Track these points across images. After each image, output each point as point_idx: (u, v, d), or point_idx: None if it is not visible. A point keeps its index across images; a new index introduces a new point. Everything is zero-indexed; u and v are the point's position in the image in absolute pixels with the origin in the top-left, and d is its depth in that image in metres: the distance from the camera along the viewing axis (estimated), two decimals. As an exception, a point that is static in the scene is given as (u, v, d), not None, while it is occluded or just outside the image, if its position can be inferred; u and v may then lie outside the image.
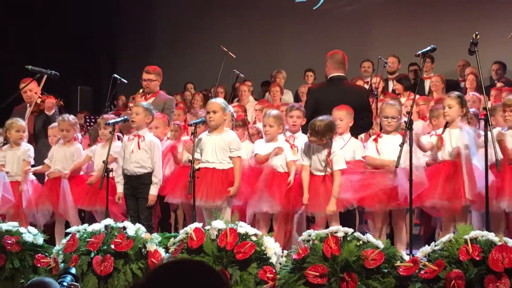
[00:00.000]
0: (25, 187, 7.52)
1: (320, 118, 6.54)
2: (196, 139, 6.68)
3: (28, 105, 8.56)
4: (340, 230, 5.34)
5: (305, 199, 6.48)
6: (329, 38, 13.08)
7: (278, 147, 6.79)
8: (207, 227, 5.72)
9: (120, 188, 7.03)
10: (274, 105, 9.39)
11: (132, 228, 5.87)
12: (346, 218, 6.46)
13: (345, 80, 7.57)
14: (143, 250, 5.76)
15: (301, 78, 12.19)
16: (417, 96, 9.09)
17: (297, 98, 11.40)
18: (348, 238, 5.29)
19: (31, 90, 8.41)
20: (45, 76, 8.12)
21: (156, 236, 5.92)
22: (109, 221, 5.95)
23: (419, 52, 6.23)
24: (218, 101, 6.97)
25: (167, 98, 8.42)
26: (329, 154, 6.49)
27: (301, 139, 6.99)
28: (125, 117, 7.27)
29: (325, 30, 13.78)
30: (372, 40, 13.52)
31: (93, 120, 9.73)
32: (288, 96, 11.76)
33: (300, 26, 14.19)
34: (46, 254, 6.05)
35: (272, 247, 5.56)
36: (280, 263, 5.51)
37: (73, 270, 4.17)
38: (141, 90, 8.44)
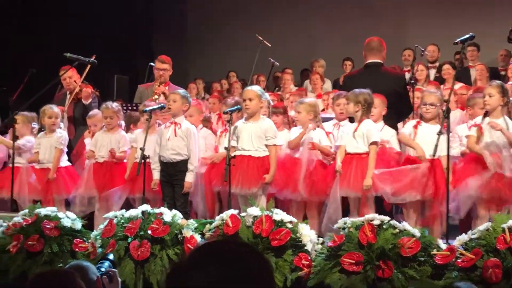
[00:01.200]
0: (54, 175, 7.61)
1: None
2: (232, 127, 6.70)
3: (68, 92, 8.66)
4: (376, 218, 5.32)
5: (338, 166, 6.47)
6: (369, 27, 12.98)
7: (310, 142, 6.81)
8: (242, 214, 5.74)
9: (156, 175, 7.08)
10: (314, 94, 9.39)
11: (169, 214, 5.91)
12: (381, 206, 6.45)
13: (382, 67, 7.53)
14: (179, 236, 5.80)
15: (339, 67, 12.14)
16: (460, 85, 9.03)
17: (336, 87, 11.35)
18: (384, 226, 5.27)
19: (71, 77, 8.51)
20: (89, 66, 8.20)
21: (192, 222, 5.96)
22: (146, 207, 6.00)
23: (458, 40, 6.17)
24: (254, 89, 6.98)
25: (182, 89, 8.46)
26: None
27: (347, 127, 6.98)
28: (162, 104, 7.32)
29: (363, 18, 13.67)
30: (412, 28, 13.39)
31: (128, 108, 9.79)
32: (327, 85, 11.72)
33: (338, 14, 14.10)
34: (84, 239, 6.12)
35: (307, 234, 5.56)
36: (315, 250, 5.51)
37: (111, 256, 4.22)
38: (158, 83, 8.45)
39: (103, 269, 3.92)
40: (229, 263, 1.60)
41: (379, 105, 6.95)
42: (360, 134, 6.58)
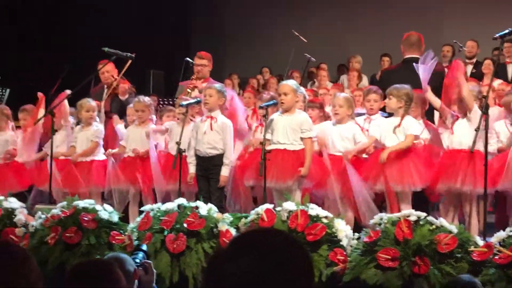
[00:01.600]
0: (77, 159, 7.70)
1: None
2: (268, 120, 6.71)
3: (105, 86, 8.75)
4: (412, 214, 5.31)
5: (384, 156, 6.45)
6: (407, 22, 12.87)
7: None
8: (278, 208, 5.75)
9: (192, 169, 7.12)
10: (350, 90, 9.35)
11: (204, 208, 5.95)
12: (419, 202, 6.40)
13: (420, 62, 7.47)
14: (215, 229, 5.84)
15: (377, 63, 12.07)
16: (499, 82, 8.92)
17: (373, 83, 11.28)
18: (421, 222, 5.25)
19: (108, 71, 8.57)
20: (129, 62, 8.26)
21: (228, 216, 5.99)
22: (182, 201, 6.04)
23: (497, 35, 6.10)
24: (290, 83, 6.97)
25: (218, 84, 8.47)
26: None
27: (386, 122, 6.96)
28: (198, 99, 7.36)
29: (401, 14, 13.57)
30: (450, 24, 13.26)
31: (164, 103, 9.86)
32: (364, 81, 11.65)
33: (375, 10, 14.01)
34: (121, 231, 6.18)
35: (343, 229, 5.56)
36: (351, 246, 5.50)
37: (144, 247, 4.25)
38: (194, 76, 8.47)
39: (137, 260, 3.96)
40: (266, 254, 1.61)
41: (418, 101, 6.92)
42: (401, 130, 6.54)
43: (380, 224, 5.40)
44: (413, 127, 6.54)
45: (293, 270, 1.60)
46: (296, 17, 14.12)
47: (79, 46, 12.57)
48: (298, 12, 14.40)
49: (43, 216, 6.36)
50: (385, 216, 5.44)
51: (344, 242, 5.49)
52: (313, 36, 12.44)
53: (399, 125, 6.56)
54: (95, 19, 12.96)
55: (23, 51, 13.17)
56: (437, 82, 7.32)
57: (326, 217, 5.61)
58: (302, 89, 7.17)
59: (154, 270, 3.98)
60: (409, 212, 5.33)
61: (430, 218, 5.27)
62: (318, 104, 7.78)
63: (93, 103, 7.96)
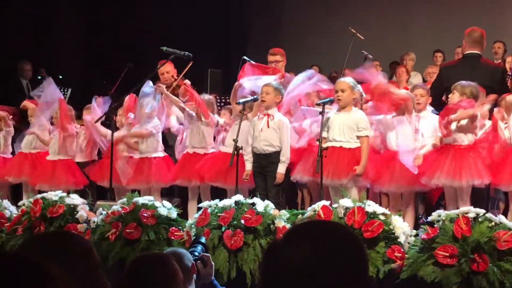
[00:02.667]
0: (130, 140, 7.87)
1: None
2: (324, 118, 6.72)
3: (165, 87, 8.85)
4: (471, 211, 5.26)
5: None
6: (460, 18, 12.71)
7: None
8: (334, 205, 5.76)
9: (248, 166, 7.18)
10: (400, 87, 9.25)
11: (261, 205, 5.99)
12: (478, 199, 6.33)
13: (481, 58, 7.39)
14: (272, 226, 5.88)
15: (430, 60, 11.94)
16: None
17: (425, 80, 11.17)
18: (480, 219, 5.20)
19: (168, 72, 8.67)
20: (190, 64, 8.36)
21: (284, 213, 6.02)
22: (239, 197, 6.11)
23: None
24: (347, 80, 6.97)
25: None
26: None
27: (428, 118, 6.91)
28: (255, 96, 7.41)
29: (453, 11, 13.39)
30: (504, 21, 13.01)
31: (222, 101, 9.94)
32: (417, 79, 11.53)
33: (431, 6, 13.86)
34: (180, 227, 6.27)
35: (400, 226, 5.53)
36: (408, 243, 5.47)
37: (203, 240, 4.31)
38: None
39: (196, 254, 4.02)
40: (322, 242, 1.64)
41: (481, 97, 6.86)
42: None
43: (438, 221, 5.36)
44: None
45: (348, 257, 1.63)
46: (354, 14, 14.05)
47: (139, 45, 12.77)
48: (355, 9, 14.33)
49: (104, 212, 6.50)
50: (443, 213, 5.41)
51: (401, 239, 5.47)
52: (371, 34, 12.36)
53: (458, 122, 6.50)
54: (155, 19, 13.16)
55: (84, 50, 13.47)
56: (497, 79, 7.26)
57: (383, 214, 5.60)
58: (359, 86, 7.14)
59: (213, 263, 4.04)
60: (467, 209, 5.28)
61: (489, 215, 5.22)
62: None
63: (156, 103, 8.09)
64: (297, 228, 1.76)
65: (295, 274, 1.60)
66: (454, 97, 6.63)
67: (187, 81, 8.42)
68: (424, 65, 11.93)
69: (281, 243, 1.70)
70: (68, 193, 6.96)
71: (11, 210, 7.19)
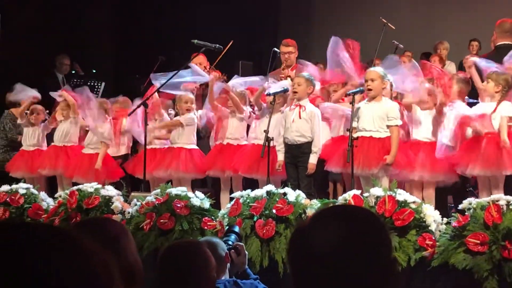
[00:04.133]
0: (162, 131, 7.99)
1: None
2: (354, 108, 6.75)
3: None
4: (502, 198, 5.25)
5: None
6: (496, 6, 12.57)
7: None
8: (365, 194, 5.80)
9: (280, 156, 7.24)
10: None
11: (293, 194, 6.05)
12: (509, 187, 6.32)
13: (514, 49, 7.36)
14: (303, 215, 5.93)
15: (466, 49, 11.83)
16: None
17: (460, 69, 11.08)
18: (511, 207, 5.18)
19: (201, 64, 8.77)
20: (221, 55, 8.43)
21: (316, 202, 6.07)
22: (270, 187, 6.17)
23: None
24: (377, 70, 6.98)
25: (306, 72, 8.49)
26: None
27: (478, 107, 6.91)
28: (286, 87, 7.46)
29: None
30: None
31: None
32: (452, 67, 11.44)
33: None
34: (212, 217, 6.36)
35: (431, 214, 5.54)
36: (439, 231, 5.49)
37: (236, 229, 4.38)
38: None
39: (230, 242, 4.09)
40: (347, 223, 1.69)
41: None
42: (497, 115, 6.48)
43: (469, 209, 5.37)
44: (508, 111, 6.47)
45: (371, 240, 1.67)
46: (385, 4, 13.98)
47: (171, 38, 12.87)
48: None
49: (138, 203, 6.62)
50: (474, 200, 5.41)
51: (432, 227, 5.48)
52: (402, 23, 12.30)
53: (494, 111, 6.48)
54: (186, 11, 13.24)
55: (117, 45, 13.61)
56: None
57: (414, 202, 5.61)
58: (390, 76, 7.15)
59: (246, 252, 4.10)
60: (498, 196, 5.28)
61: (520, 202, 5.21)
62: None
63: (191, 95, 8.18)
64: (321, 212, 1.82)
65: (319, 256, 1.65)
66: (489, 86, 6.61)
67: (216, 73, 8.52)
68: (459, 54, 11.82)
69: (305, 227, 1.76)
70: (103, 184, 7.09)
71: (48, 202, 7.36)
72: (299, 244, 1.75)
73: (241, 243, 4.21)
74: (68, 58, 11.80)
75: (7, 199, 7.26)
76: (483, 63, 6.87)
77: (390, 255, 1.73)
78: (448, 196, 7.57)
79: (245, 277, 4.07)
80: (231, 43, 8.49)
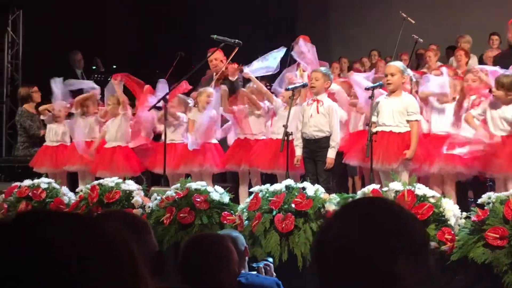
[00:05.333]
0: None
1: (507, 73, 6.46)
2: (374, 102, 6.75)
3: (214, 74, 8.98)
4: (521, 192, 5.24)
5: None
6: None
7: None
8: (384, 189, 5.80)
9: (298, 151, 7.25)
10: (459, 71, 9.19)
11: (312, 189, 6.06)
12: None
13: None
14: (322, 210, 5.95)
15: (486, 43, 11.76)
16: None
17: (481, 63, 11.01)
18: (530, 201, 5.17)
19: (217, 59, 8.80)
20: (236, 48, 8.46)
21: (335, 197, 6.08)
22: (289, 182, 6.19)
23: None
24: (397, 64, 6.98)
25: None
26: None
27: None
28: (304, 82, 7.48)
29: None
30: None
31: (269, 86, 9.99)
32: (473, 61, 11.37)
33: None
34: (232, 211, 6.40)
35: (450, 209, 5.54)
36: (459, 225, 5.49)
37: (270, 260, 4.46)
38: None
39: (262, 263, 4.17)
40: (363, 215, 1.70)
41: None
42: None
43: (488, 203, 5.36)
44: None
45: (387, 230, 1.67)
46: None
47: (190, 33, 12.91)
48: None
49: (158, 197, 6.68)
50: (493, 195, 5.40)
51: (451, 222, 5.47)
52: (422, 17, 12.25)
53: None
54: (205, 7, 13.28)
55: (137, 40, 13.69)
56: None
57: (433, 197, 5.61)
58: (409, 70, 7.14)
59: (274, 274, 4.15)
60: (517, 190, 5.27)
61: (540, 197, 5.20)
62: None
63: (211, 89, 8.20)
64: (345, 205, 1.83)
65: (340, 249, 1.66)
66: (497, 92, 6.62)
67: (234, 65, 8.56)
68: (479, 48, 11.76)
69: (329, 220, 1.78)
70: (124, 179, 7.15)
71: (69, 196, 7.43)
72: (320, 239, 1.76)
73: (271, 264, 4.27)
74: (80, 53, 11.85)
75: (29, 194, 7.34)
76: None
77: (416, 250, 1.70)
78: (469, 191, 7.57)
79: None
80: (236, 49, 8.51)
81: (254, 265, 4.24)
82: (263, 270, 4.15)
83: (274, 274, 4.22)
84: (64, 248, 0.95)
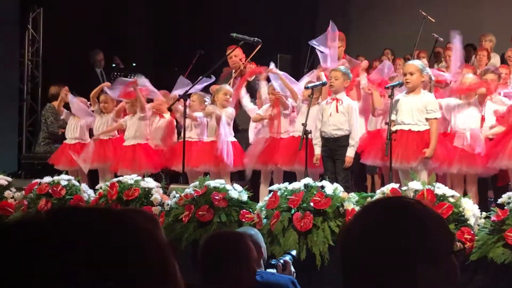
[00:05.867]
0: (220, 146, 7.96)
1: None
2: (393, 101, 6.73)
3: (233, 71, 9.00)
4: (542, 192, 5.21)
5: None
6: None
7: None
8: (403, 188, 5.78)
9: (317, 150, 7.24)
10: (478, 70, 9.14)
11: (330, 187, 6.06)
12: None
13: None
14: (341, 208, 5.94)
15: (508, 41, 11.66)
16: None
17: (503, 62, 10.93)
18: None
19: (236, 55, 8.82)
20: (258, 47, 8.47)
21: (354, 196, 6.07)
22: (308, 180, 6.19)
23: None
24: (416, 63, 6.96)
25: (355, 62, 8.47)
26: None
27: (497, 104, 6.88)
28: (324, 81, 7.47)
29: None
30: None
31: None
32: (496, 60, 11.27)
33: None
34: (250, 210, 6.41)
35: (470, 208, 5.51)
36: (478, 225, 5.46)
37: (293, 252, 4.45)
38: None
39: (282, 259, 4.17)
40: (380, 213, 1.70)
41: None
42: None
43: (508, 203, 5.33)
44: None
45: (403, 228, 1.67)
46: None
47: (210, 31, 12.94)
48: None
49: (177, 195, 6.70)
50: (513, 195, 5.38)
51: (471, 221, 5.45)
52: (442, 16, 12.19)
53: None
54: (225, 5, 13.29)
55: (156, 38, 13.73)
56: None
57: (453, 196, 5.59)
58: (428, 69, 7.11)
59: (293, 270, 4.15)
60: (538, 190, 5.24)
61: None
62: (444, 84, 7.70)
63: (230, 88, 8.21)
64: (366, 205, 1.84)
65: (358, 249, 1.66)
66: None
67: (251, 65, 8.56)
68: (502, 46, 11.66)
69: (350, 221, 1.78)
70: (143, 176, 7.18)
71: (89, 193, 7.49)
72: (342, 239, 1.75)
73: (289, 261, 4.27)
74: (101, 53, 11.91)
75: (49, 191, 7.40)
76: None
77: (434, 253, 1.68)
78: (489, 191, 7.53)
79: None
80: (258, 47, 8.51)
81: (273, 261, 4.24)
82: (281, 267, 4.15)
83: (293, 270, 4.21)
84: (108, 240, 0.96)
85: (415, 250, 1.62)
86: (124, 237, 0.97)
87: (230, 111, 8.06)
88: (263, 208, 6.22)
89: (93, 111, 8.96)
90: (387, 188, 5.83)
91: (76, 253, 0.92)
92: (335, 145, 7.16)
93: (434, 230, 1.68)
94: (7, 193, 7.76)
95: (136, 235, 0.99)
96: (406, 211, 1.72)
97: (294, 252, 4.45)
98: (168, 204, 6.73)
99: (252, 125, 8.35)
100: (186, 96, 7.67)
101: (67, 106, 9.15)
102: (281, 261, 4.16)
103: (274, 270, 4.05)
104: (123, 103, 8.72)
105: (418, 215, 1.70)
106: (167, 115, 8.57)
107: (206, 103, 8.22)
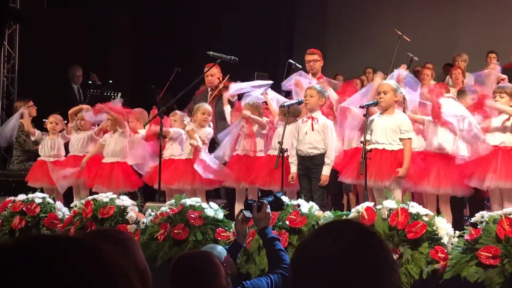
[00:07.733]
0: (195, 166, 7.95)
1: None
2: (367, 121, 6.78)
3: (209, 89, 9.02)
4: (514, 211, 5.26)
5: None
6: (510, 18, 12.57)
7: None
8: (378, 207, 5.82)
9: (293, 169, 7.27)
10: (454, 89, 9.23)
11: (306, 206, 6.08)
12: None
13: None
14: (316, 227, 5.95)
15: (483, 61, 11.80)
16: None
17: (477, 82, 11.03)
18: (523, 221, 5.19)
19: (213, 75, 8.85)
20: (228, 76, 8.53)
21: (329, 214, 6.10)
22: (284, 198, 6.18)
23: None
24: (390, 82, 7.03)
25: (334, 82, 8.55)
26: None
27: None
28: (299, 99, 7.51)
29: (505, 10, 13.23)
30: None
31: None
32: (469, 79, 11.41)
33: (480, 4, 13.71)
34: (226, 228, 6.40)
35: (444, 227, 5.55)
36: (452, 244, 5.50)
37: (279, 194, 4.48)
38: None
39: (261, 201, 4.18)
40: (338, 239, 1.73)
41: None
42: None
43: (481, 222, 5.38)
44: None
45: (365, 254, 1.70)
46: (399, 16, 14.02)
47: (187, 49, 12.97)
48: (401, 10, 14.29)
49: (152, 213, 6.68)
50: (486, 214, 5.42)
51: (445, 240, 5.49)
52: (417, 35, 12.32)
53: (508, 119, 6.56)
54: (201, 23, 13.34)
55: (133, 55, 13.73)
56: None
57: (426, 215, 5.63)
58: (402, 89, 7.18)
59: (269, 212, 4.16)
60: (510, 210, 5.28)
61: (533, 216, 5.21)
62: None
63: (209, 107, 8.22)
64: (322, 226, 1.87)
65: (316, 269, 1.70)
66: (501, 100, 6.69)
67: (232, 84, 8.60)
68: (475, 66, 11.79)
69: (306, 240, 1.81)
70: (119, 194, 7.15)
71: (63, 211, 7.44)
72: (297, 257, 1.80)
73: (265, 202, 4.25)
74: (80, 69, 11.90)
75: (24, 208, 7.35)
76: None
77: (386, 273, 1.73)
78: (465, 209, 7.60)
79: (264, 237, 4.16)
80: (227, 76, 8.65)
81: (250, 201, 4.26)
82: (256, 207, 4.15)
83: (270, 211, 4.20)
84: (64, 273, 0.97)
85: (378, 267, 1.68)
86: (85, 271, 0.99)
87: (209, 131, 8.09)
88: (238, 227, 6.20)
89: (70, 127, 8.95)
90: (362, 207, 5.85)
91: (33, 283, 0.94)
92: (310, 164, 7.19)
93: (386, 245, 1.78)
94: (-19, 211, 7.69)
95: (90, 268, 1.00)
96: (361, 230, 1.77)
97: (279, 194, 4.45)
98: (143, 223, 6.70)
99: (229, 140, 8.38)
100: (164, 113, 7.67)
101: (35, 120, 9.18)
102: (259, 202, 4.17)
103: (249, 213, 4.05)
104: (104, 123, 8.72)
105: (370, 233, 1.78)
106: (142, 131, 8.56)
107: (185, 122, 8.25)
